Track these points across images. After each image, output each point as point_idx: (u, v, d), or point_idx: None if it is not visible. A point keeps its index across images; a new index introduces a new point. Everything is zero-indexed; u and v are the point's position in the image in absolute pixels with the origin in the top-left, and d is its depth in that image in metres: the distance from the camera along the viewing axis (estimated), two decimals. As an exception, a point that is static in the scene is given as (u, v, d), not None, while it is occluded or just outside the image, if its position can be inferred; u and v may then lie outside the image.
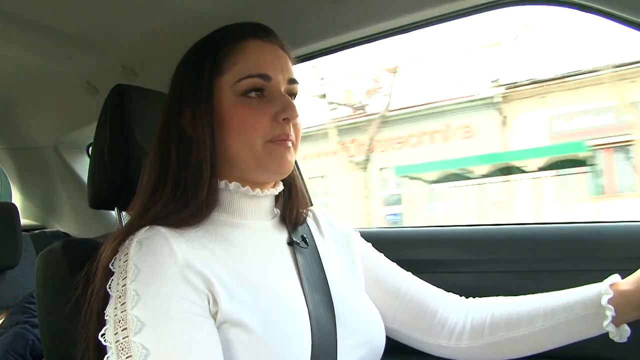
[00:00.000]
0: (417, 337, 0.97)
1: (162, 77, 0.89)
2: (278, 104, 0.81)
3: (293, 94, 0.87)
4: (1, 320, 1.52)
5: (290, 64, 0.87)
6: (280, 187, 0.90)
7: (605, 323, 0.83)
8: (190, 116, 0.82)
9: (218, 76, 0.82)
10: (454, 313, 0.97)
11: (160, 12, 1.25)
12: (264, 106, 0.81)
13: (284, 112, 0.81)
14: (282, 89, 0.84)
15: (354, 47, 1.33)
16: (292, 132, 0.83)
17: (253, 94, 0.81)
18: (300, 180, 0.97)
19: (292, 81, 0.86)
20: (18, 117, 1.92)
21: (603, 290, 0.85)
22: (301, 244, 0.89)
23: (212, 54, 0.83)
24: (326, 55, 1.37)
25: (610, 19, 1.03)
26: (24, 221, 2.01)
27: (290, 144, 0.83)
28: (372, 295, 0.97)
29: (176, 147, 0.81)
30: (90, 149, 2.05)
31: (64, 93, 1.70)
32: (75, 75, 1.58)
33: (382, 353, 0.89)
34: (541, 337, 0.89)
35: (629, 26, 1.02)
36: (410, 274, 1.02)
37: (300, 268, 0.85)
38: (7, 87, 1.72)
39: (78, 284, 0.79)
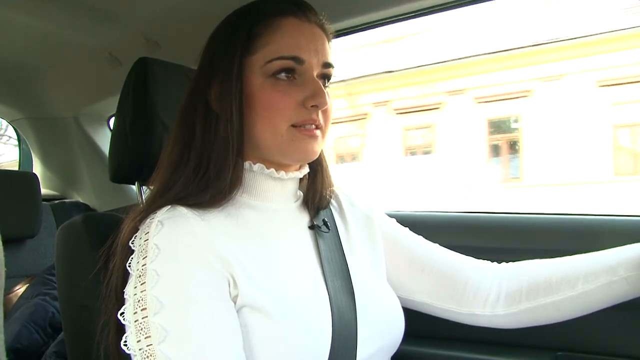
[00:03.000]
0: (449, 308, 0.95)
1: (187, 51, 0.87)
2: (308, 89, 0.77)
3: (327, 77, 0.83)
4: (22, 290, 1.54)
5: (327, 46, 0.82)
6: (306, 170, 0.88)
7: None
8: (218, 92, 0.79)
9: (249, 54, 0.78)
10: (486, 280, 0.94)
11: None
12: (292, 89, 0.77)
13: (313, 99, 0.77)
14: (315, 73, 0.79)
15: (391, 23, 1.28)
16: (320, 119, 0.79)
17: (283, 75, 0.77)
18: (327, 162, 0.94)
19: (327, 65, 0.82)
20: (40, 87, 1.92)
21: None
22: (322, 229, 0.87)
23: (245, 30, 0.79)
24: (365, 30, 1.32)
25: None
26: (44, 191, 2.03)
27: (318, 132, 0.80)
28: (399, 269, 0.95)
29: (202, 123, 0.79)
30: (112, 121, 2.05)
31: (86, 64, 1.69)
32: (98, 46, 1.57)
33: (399, 343, 0.87)
34: (582, 300, 0.86)
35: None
36: (437, 245, 0.99)
37: (322, 253, 0.83)
38: (30, 57, 1.72)
39: (98, 259, 0.78)
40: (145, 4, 1.33)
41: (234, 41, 0.79)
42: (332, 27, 0.86)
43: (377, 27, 1.30)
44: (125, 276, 0.72)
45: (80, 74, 1.77)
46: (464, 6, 1.17)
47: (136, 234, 0.73)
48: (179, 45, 1.31)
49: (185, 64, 1.04)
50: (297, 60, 0.77)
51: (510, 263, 0.97)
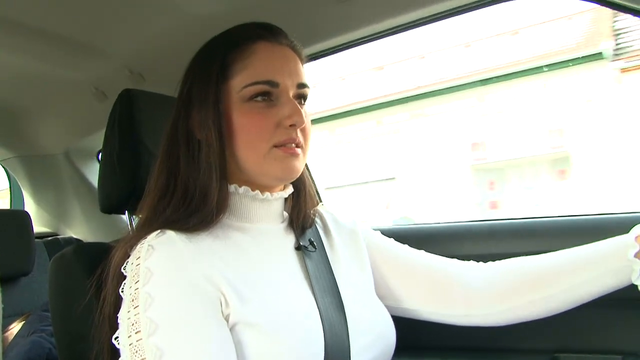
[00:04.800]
0: (440, 312, 0.96)
1: (171, 81, 0.89)
2: (285, 110, 0.80)
3: (303, 97, 0.85)
4: (17, 328, 1.53)
5: (300, 67, 0.86)
6: (290, 190, 0.89)
7: (635, 277, 0.82)
8: (198, 120, 0.81)
9: (225, 81, 0.81)
10: (474, 279, 0.95)
11: (166, 16, 1.25)
12: (270, 111, 0.80)
13: (290, 119, 0.79)
14: (291, 93, 0.82)
15: (360, 45, 1.33)
16: (300, 137, 0.82)
17: (260, 98, 0.80)
18: (310, 181, 0.96)
19: (302, 85, 0.84)
20: (28, 125, 1.93)
21: (629, 242, 0.84)
22: (309, 248, 0.88)
23: (220, 57, 0.82)
24: (334, 54, 1.36)
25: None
26: (36, 228, 2.02)
27: (299, 150, 0.82)
28: (387, 278, 0.96)
29: (185, 151, 0.81)
30: (100, 154, 2.06)
31: (72, 100, 1.70)
32: (84, 81, 1.59)
33: (392, 354, 0.88)
34: (569, 294, 0.88)
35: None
36: (423, 251, 1.01)
37: (310, 272, 0.84)
38: (16, 95, 1.73)
39: (90, 287, 0.79)
40: (127, 37, 1.35)
41: (209, 70, 0.82)
42: (304, 50, 0.89)
43: (343, 50, 1.36)
44: (117, 302, 0.73)
45: (68, 109, 1.79)
46: (434, 22, 1.22)
47: (127, 260, 0.74)
48: (163, 76, 1.32)
49: (170, 94, 1.06)
50: (272, 84, 0.80)
51: (497, 261, 0.98)
